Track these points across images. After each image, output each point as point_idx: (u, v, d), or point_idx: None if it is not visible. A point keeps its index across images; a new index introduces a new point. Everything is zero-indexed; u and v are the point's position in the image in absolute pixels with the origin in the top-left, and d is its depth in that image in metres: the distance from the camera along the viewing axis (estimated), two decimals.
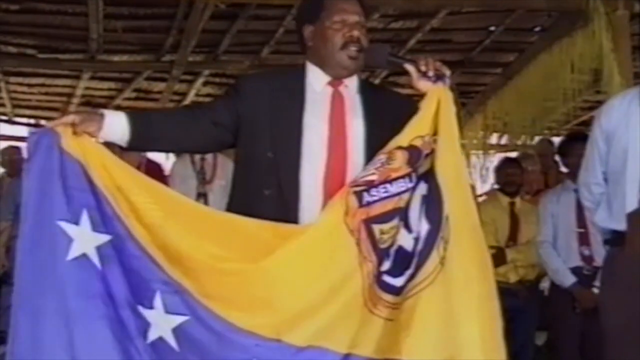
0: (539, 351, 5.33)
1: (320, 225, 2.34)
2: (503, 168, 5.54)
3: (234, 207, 2.50)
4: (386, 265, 2.31)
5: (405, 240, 2.31)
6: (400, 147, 2.34)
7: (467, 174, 2.39)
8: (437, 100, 2.35)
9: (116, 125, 2.41)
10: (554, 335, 4.99)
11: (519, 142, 6.48)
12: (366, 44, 2.52)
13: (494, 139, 6.85)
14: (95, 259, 2.27)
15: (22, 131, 8.60)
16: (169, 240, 2.30)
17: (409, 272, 2.29)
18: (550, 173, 5.86)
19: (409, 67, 2.44)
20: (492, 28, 6.32)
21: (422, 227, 2.30)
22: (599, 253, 3.79)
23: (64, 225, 2.25)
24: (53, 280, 2.23)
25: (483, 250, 2.32)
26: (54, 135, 2.30)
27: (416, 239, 2.30)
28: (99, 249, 2.28)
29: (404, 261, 2.30)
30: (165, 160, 6.38)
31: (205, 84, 7.50)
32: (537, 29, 6.27)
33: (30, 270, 2.24)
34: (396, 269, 2.30)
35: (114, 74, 7.32)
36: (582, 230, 4.55)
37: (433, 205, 2.30)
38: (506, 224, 5.17)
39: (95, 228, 2.28)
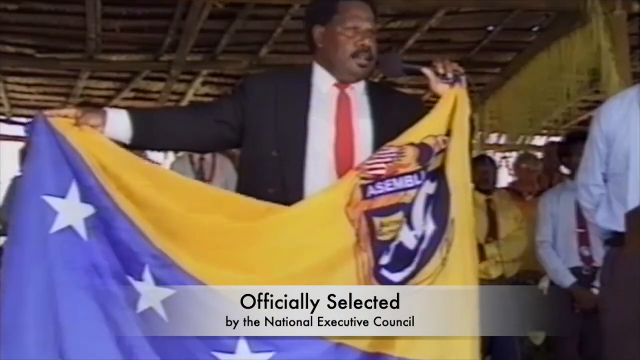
0: (538, 351, 5.32)
1: (319, 203, 2.34)
2: (475, 166, 5.52)
3: None
4: (385, 260, 2.30)
5: (407, 237, 2.30)
6: (411, 144, 2.34)
7: (469, 177, 2.39)
8: (453, 101, 2.36)
9: (119, 121, 2.42)
10: (553, 335, 4.99)
11: (518, 142, 6.48)
12: (376, 51, 2.51)
13: (492, 138, 6.85)
14: (81, 231, 2.32)
15: (21, 131, 8.59)
16: (161, 214, 2.31)
17: (409, 270, 2.28)
18: (555, 176, 5.84)
19: (427, 71, 2.42)
20: (491, 28, 6.31)
21: (428, 226, 2.29)
22: (599, 253, 3.78)
23: (49, 199, 2.31)
24: (38, 253, 2.29)
25: (475, 255, 2.35)
26: (49, 121, 2.35)
27: (419, 238, 2.29)
28: (86, 220, 2.33)
29: (404, 258, 2.29)
30: (163, 159, 6.39)
31: (203, 83, 7.49)
32: (535, 28, 6.27)
33: (18, 243, 2.31)
34: (395, 265, 2.30)
35: (112, 73, 7.31)
36: (581, 230, 4.55)
37: (440, 206, 2.30)
38: (484, 221, 5.11)
39: (83, 199, 2.33)
